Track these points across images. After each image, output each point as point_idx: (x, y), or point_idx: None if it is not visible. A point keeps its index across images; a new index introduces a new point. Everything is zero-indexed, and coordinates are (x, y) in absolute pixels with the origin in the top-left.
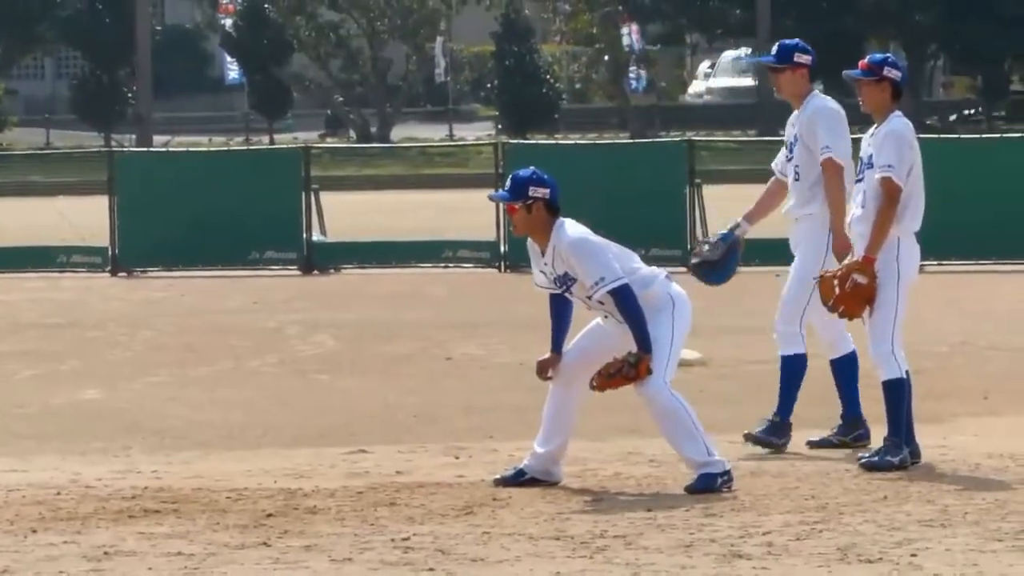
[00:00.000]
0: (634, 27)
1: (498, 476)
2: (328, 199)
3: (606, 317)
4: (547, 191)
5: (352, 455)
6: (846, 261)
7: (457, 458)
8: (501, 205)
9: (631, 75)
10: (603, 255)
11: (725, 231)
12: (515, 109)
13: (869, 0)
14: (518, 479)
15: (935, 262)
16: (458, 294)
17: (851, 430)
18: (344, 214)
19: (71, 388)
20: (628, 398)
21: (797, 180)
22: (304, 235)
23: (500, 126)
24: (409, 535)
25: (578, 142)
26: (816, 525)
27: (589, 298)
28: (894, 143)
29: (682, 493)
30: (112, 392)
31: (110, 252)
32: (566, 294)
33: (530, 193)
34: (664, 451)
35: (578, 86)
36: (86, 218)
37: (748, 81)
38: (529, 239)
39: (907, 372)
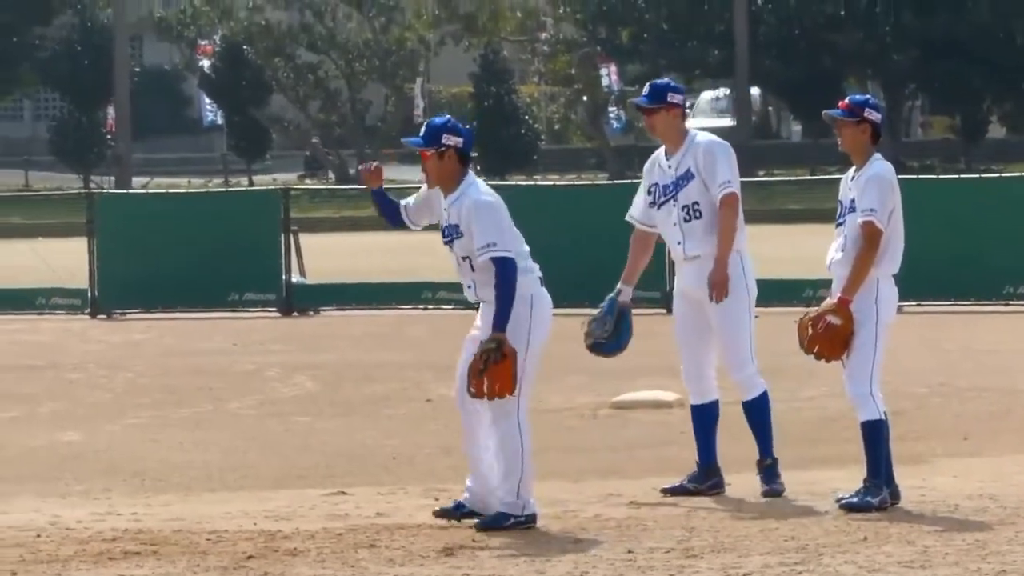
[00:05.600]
0: (612, 68)
1: (438, 508)
2: (307, 240)
3: (478, 307)
4: (460, 140)
5: (332, 497)
6: (824, 303)
7: (437, 499)
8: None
9: (610, 115)
10: (503, 224)
11: (607, 302)
12: (494, 150)
13: (847, 40)
14: (457, 512)
15: (914, 303)
16: (437, 335)
17: (707, 478)
18: (323, 255)
19: (50, 430)
20: (607, 439)
21: (697, 219)
22: (283, 277)
23: (479, 167)
24: None
25: (557, 183)
26: (796, 566)
27: (464, 259)
28: (877, 187)
29: (661, 533)
30: (92, 434)
31: (90, 294)
32: (447, 244)
33: (443, 140)
34: (644, 493)
35: (557, 127)
36: (65, 260)
37: (727, 121)
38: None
39: (885, 413)
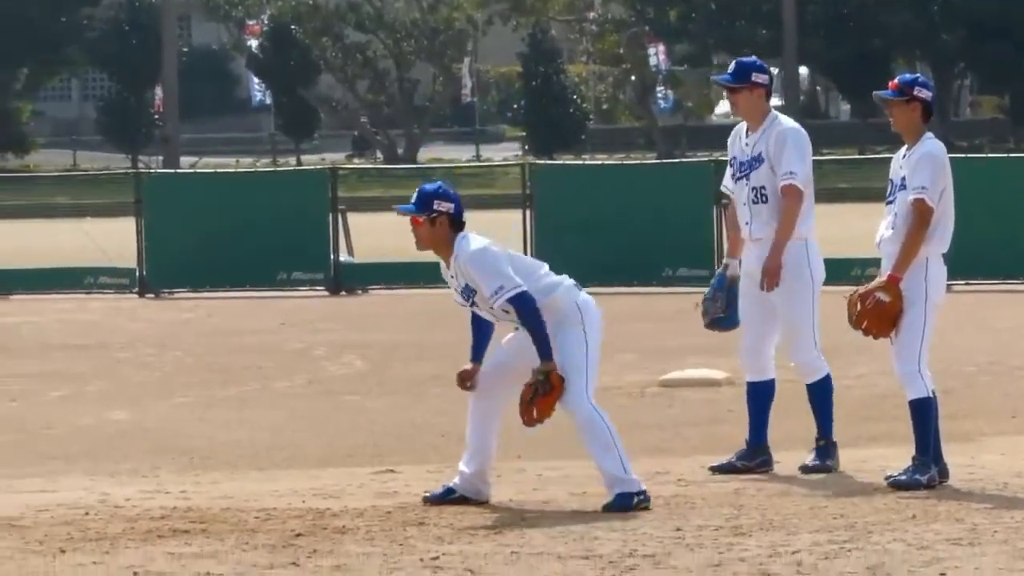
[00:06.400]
0: (660, 47)
1: (427, 494)
2: (355, 220)
3: (517, 329)
4: (452, 205)
5: (380, 475)
6: (875, 280)
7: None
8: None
9: (658, 95)
10: (500, 264)
11: (717, 278)
12: (542, 130)
13: (896, 20)
14: (447, 497)
15: (963, 281)
16: None
17: (755, 456)
18: (371, 234)
19: (99, 409)
20: (655, 418)
21: (763, 203)
22: (331, 256)
23: (527, 147)
24: (438, 554)
25: (605, 163)
26: (845, 544)
27: (491, 309)
28: (929, 165)
29: (710, 511)
30: (140, 413)
31: (138, 273)
32: (472, 308)
33: (435, 207)
34: (692, 471)
35: (605, 106)
36: (113, 239)
37: (775, 101)
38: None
39: (933, 392)
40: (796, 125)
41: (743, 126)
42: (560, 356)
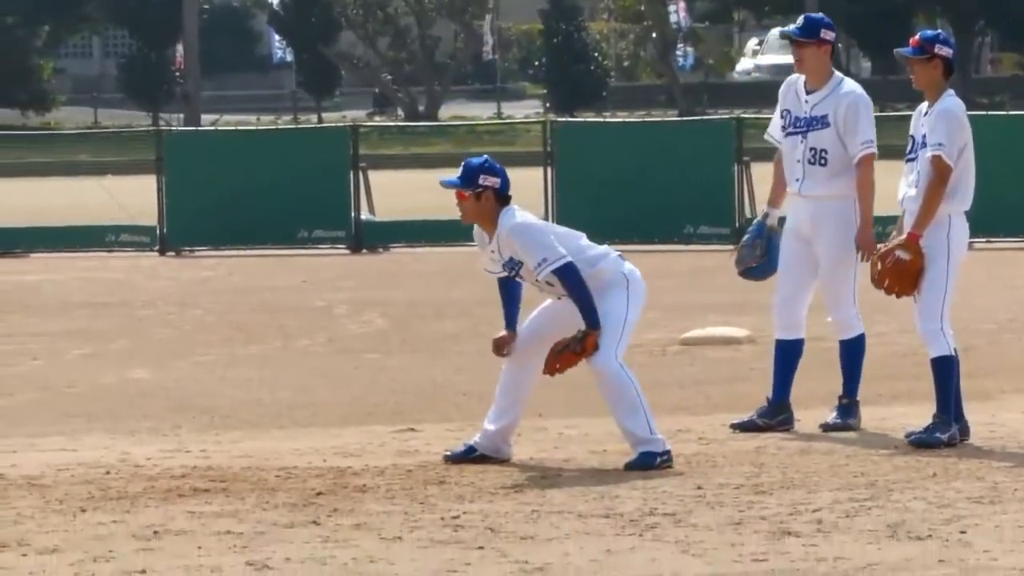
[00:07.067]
0: (682, 4)
1: (448, 453)
2: (376, 177)
3: (560, 298)
4: (497, 180)
5: (401, 433)
6: (896, 238)
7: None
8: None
9: (679, 53)
10: (544, 237)
11: (755, 226)
12: (563, 87)
13: None
14: (468, 456)
15: (984, 239)
16: None
17: (777, 413)
18: (392, 193)
19: (120, 367)
20: (676, 376)
21: (822, 166)
22: (352, 214)
23: (548, 104)
24: (459, 513)
25: (626, 120)
26: (865, 502)
27: (536, 281)
28: (946, 122)
29: (731, 469)
30: (161, 371)
31: (159, 231)
32: (516, 278)
33: (480, 181)
34: (713, 429)
35: (626, 64)
36: (134, 197)
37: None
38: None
39: (955, 349)
40: (862, 90)
41: (798, 78)
42: (599, 314)
